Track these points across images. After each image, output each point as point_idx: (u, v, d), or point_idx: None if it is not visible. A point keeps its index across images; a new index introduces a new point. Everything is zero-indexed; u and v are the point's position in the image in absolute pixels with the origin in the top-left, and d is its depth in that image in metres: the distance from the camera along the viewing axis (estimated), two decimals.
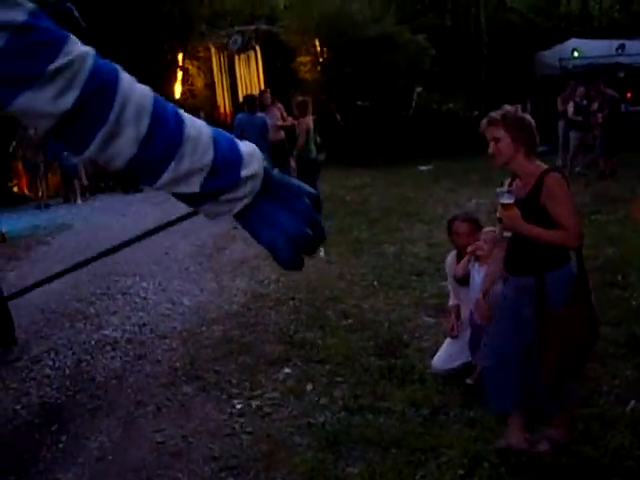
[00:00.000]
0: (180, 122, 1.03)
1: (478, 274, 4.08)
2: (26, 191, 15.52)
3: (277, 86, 15.43)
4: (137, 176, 1.04)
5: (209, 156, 1.04)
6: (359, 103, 16.99)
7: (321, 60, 18.00)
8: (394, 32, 17.29)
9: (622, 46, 17.28)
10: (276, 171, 1.13)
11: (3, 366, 5.31)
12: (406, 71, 17.24)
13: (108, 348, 5.52)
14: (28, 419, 4.41)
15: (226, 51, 19.39)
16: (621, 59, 17.16)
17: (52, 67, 0.90)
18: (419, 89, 18.10)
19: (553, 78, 16.76)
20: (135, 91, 0.99)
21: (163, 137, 1.01)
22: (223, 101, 19.37)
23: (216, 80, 19.38)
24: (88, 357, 5.37)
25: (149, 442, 3.93)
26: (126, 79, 0.99)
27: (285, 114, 11.76)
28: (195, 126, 1.05)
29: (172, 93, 18.37)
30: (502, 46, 20.17)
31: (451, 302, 4.52)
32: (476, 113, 18.14)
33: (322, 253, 7.92)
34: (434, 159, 15.41)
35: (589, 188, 11.10)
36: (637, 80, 16.69)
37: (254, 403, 4.26)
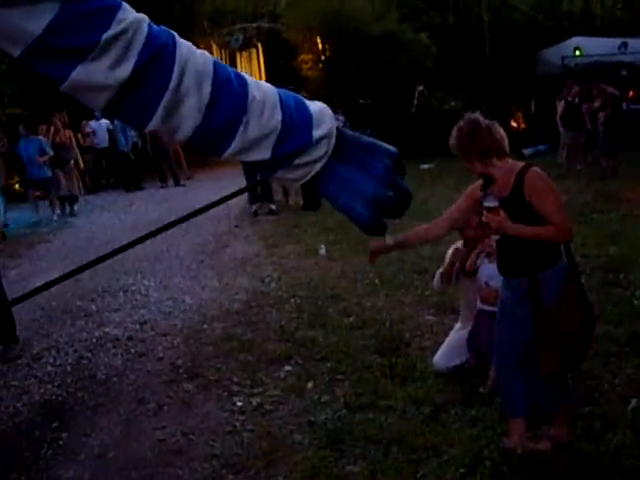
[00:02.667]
0: (244, 85, 0.98)
1: (487, 269, 4.07)
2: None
3: (279, 84, 15.25)
4: (204, 147, 1.00)
5: (277, 118, 0.99)
6: (361, 101, 17.00)
7: (323, 58, 18.00)
8: (396, 30, 17.27)
9: (624, 44, 17.23)
10: (350, 131, 1.06)
11: (4, 364, 5.32)
12: (408, 69, 17.24)
13: (109, 345, 5.53)
14: (29, 417, 4.41)
15: (228, 49, 19.42)
16: (623, 57, 17.12)
17: (106, 36, 0.87)
18: (421, 87, 18.09)
19: (555, 76, 16.72)
20: (194, 56, 0.95)
21: (227, 103, 0.96)
22: None
23: None
24: (89, 354, 5.38)
25: (150, 439, 3.93)
26: (184, 44, 0.94)
27: None
28: (260, 88, 1.00)
29: None
30: (504, 44, 20.13)
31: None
32: (478, 111, 18.13)
33: (323, 251, 7.93)
34: (436, 157, 15.37)
35: (590, 187, 11.09)
36: (639, 79, 16.67)
37: (255, 401, 4.26)
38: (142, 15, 0.92)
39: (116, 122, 15.94)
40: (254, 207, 10.86)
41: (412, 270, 6.78)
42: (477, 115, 3.38)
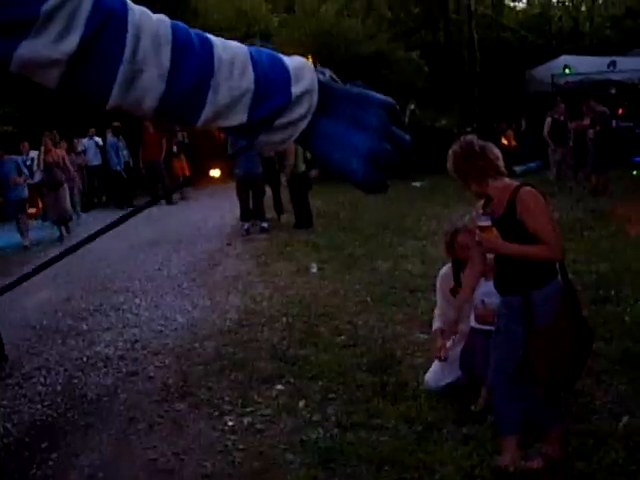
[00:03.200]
0: (208, 46, 0.90)
1: (483, 287, 4.06)
2: None
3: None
4: (176, 117, 0.92)
5: (249, 78, 0.91)
6: None
7: None
8: (387, 49, 17.44)
9: (613, 63, 17.41)
10: (337, 83, 0.98)
11: None
12: (399, 88, 17.33)
13: (100, 365, 5.50)
14: (18, 437, 4.37)
15: None
16: (612, 75, 17.29)
17: (46, 7, 0.80)
18: (412, 106, 18.17)
19: (546, 94, 16.86)
20: (149, 20, 0.87)
21: (191, 67, 0.88)
22: None
23: None
24: (80, 374, 5.35)
25: (141, 459, 3.90)
26: (137, 9, 0.86)
27: None
28: (228, 48, 0.92)
29: None
30: (495, 63, 20.33)
31: (435, 325, 4.46)
32: (469, 129, 18.23)
33: (315, 269, 7.92)
34: (428, 175, 15.42)
35: (581, 203, 11.14)
36: (628, 96, 16.82)
37: (246, 420, 4.24)
38: None
39: (108, 140, 15.95)
40: (246, 225, 10.86)
41: (403, 288, 6.79)
42: (472, 137, 3.45)
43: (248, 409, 4.39)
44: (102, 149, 16.45)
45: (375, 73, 16.56)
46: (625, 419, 3.81)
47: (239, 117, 0.91)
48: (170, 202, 15.88)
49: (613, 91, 16.78)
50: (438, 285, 4.54)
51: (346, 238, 9.66)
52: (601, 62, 17.65)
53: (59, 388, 5.11)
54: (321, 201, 12.58)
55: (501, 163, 3.28)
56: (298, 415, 4.24)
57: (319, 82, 0.94)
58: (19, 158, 12.81)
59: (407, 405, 4.17)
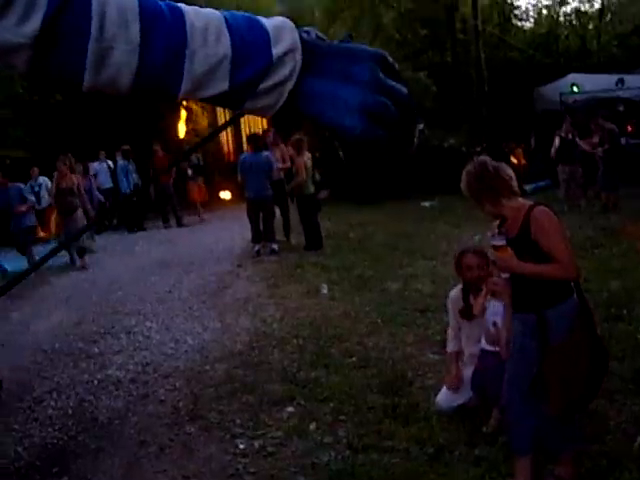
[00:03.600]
0: (179, 15, 0.86)
1: (493, 308, 4.05)
2: None
3: (281, 124, 15.55)
4: (155, 92, 0.88)
5: (226, 43, 0.87)
6: None
7: None
8: None
9: (621, 80, 17.40)
10: (324, 41, 0.93)
11: (5, 408, 5.29)
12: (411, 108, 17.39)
13: (111, 388, 5.50)
14: (30, 461, 4.37)
15: None
16: (620, 93, 17.28)
17: None
18: (421, 126, 18.20)
19: (554, 112, 16.86)
20: None
21: (163, 37, 0.84)
22: (227, 140, 19.55)
23: (219, 119, 19.58)
24: (91, 397, 5.35)
25: None
26: None
27: (287, 156, 11.83)
28: (200, 15, 0.87)
29: (176, 133, 18.53)
30: (502, 82, 20.38)
31: (450, 347, 4.45)
32: (478, 149, 18.25)
33: (325, 291, 7.92)
34: (437, 195, 15.44)
35: (592, 221, 11.11)
36: (637, 113, 16.80)
37: (257, 443, 4.22)
38: None
39: (119, 163, 16.05)
40: (256, 247, 10.88)
41: (414, 309, 6.77)
42: (485, 157, 3.48)
43: (259, 432, 4.37)
44: (113, 172, 16.56)
45: None
46: (639, 439, 3.78)
47: (220, 85, 0.88)
48: (180, 224, 15.96)
49: (621, 108, 16.76)
50: (449, 307, 4.53)
51: (356, 259, 9.65)
52: (609, 80, 17.65)
53: (70, 411, 5.12)
54: (330, 222, 12.59)
55: (515, 183, 3.30)
56: (309, 437, 4.22)
57: (303, 41, 0.90)
58: (23, 186, 12.50)
59: (418, 427, 4.15)
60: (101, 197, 15.78)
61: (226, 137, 19.53)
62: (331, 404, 4.67)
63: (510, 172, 3.34)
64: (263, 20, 0.90)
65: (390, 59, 0.92)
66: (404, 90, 0.93)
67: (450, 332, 4.51)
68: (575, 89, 17.92)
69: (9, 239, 12.42)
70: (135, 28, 0.82)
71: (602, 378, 3.35)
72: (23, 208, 11.96)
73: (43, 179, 14.47)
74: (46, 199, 14.05)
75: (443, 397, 4.35)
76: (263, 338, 6.35)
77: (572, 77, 18.51)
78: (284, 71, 0.88)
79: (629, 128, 16.37)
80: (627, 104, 17.02)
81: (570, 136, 13.06)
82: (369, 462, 3.82)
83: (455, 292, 4.49)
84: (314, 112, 0.90)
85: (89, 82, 0.83)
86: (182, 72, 0.85)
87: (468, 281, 4.26)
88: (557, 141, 13.17)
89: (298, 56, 0.88)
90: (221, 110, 19.58)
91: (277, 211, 11.46)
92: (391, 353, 5.57)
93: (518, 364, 3.31)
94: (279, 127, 13.85)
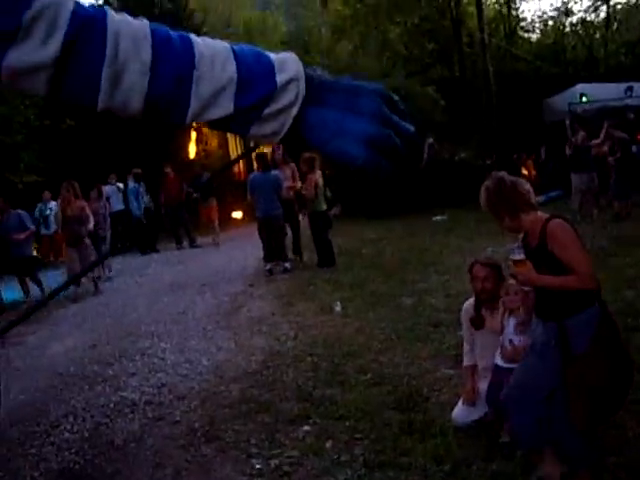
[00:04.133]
0: (188, 43, 0.94)
1: (509, 324, 4.04)
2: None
3: (290, 149, 15.62)
4: (163, 115, 0.94)
5: (231, 69, 0.94)
6: None
7: None
8: (404, 86, 17.55)
9: (630, 88, 17.40)
10: (326, 75, 1.00)
11: (21, 432, 5.30)
12: (417, 122, 17.38)
13: (127, 410, 5.50)
14: None
15: None
16: (630, 101, 17.26)
17: (28, 15, 0.85)
18: (431, 140, 18.21)
19: (563, 123, 16.85)
20: (128, 23, 0.92)
21: (172, 62, 0.91)
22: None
23: (229, 139, 19.69)
24: (107, 420, 5.35)
25: None
26: (115, 14, 0.92)
27: (297, 174, 11.85)
28: (208, 44, 0.96)
29: (187, 154, 18.64)
30: (511, 94, 20.42)
31: (466, 361, 4.44)
32: (488, 162, 18.24)
33: (338, 308, 7.91)
34: (448, 209, 15.44)
35: (605, 231, 11.05)
36: None
37: (273, 462, 4.20)
38: None
39: (130, 186, 16.14)
40: (268, 266, 10.89)
41: (428, 323, 6.74)
42: (502, 173, 3.52)
43: (275, 451, 4.36)
44: (124, 194, 16.66)
45: None
46: None
47: (225, 108, 0.93)
48: (194, 245, 16.01)
49: (631, 117, 16.72)
50: (462, 319, 4.52)
51: (369, 275, 9.64)
52: (617, 88, 17.65)
53: (86, 434, 5.12)
54: (342, 239, 12.60)
55: (532, 197, 3.34)
56: (325, 456, 4.20)
57: (308, 75, 0.96)
58: (22, 212, 11.84)
59: (435, 443, 4.12)
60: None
61: (236, 156, 19.62)
62: (347, 422, 4.64)
63: (528, 186, 3.38)
64: (269, 53, 0.97)
65: (395, 97, 0.99)
66: (411, 128, 0.98)
67: (465, 346, 4.49)
68: (584, 99, 17.91)
69: (9, 267, 11.98)
70: (147, 52, 0.90)
71: (628, 389, 3.31)
72: (21, 236, 11.38)
73: (54, 204, 14.57)
74: (54, 224, 14.23)
75: (459, 412, 4.32)
76: (277, 357, 6.34)
77: (580, 87, 18.53)
78: (288, 97, 0.94)
79: (639, 136, 16.30)
80: (637, 112, 16.98)
81: (584, 144, 12.99)
82: (386, 479, 3.79)
83: (468, 304, 4.48)
84: (319, 141, 0.95)
85: (103, 104, 0.90)
86: (189, 96, 0.92)
87: (477, 292, 4.27)
88: (570, 149, 13.07)
89: (302, 84, 0.94)
90: None
91: (289, 230, 11.49)
92: (406, 369, 5.54)
93: (537, 371, 3.31)
94: (288, 145, 13.90)
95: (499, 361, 4.07)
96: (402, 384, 5.21)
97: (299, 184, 11.55)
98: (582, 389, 3.15)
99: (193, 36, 0.96)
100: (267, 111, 0.94)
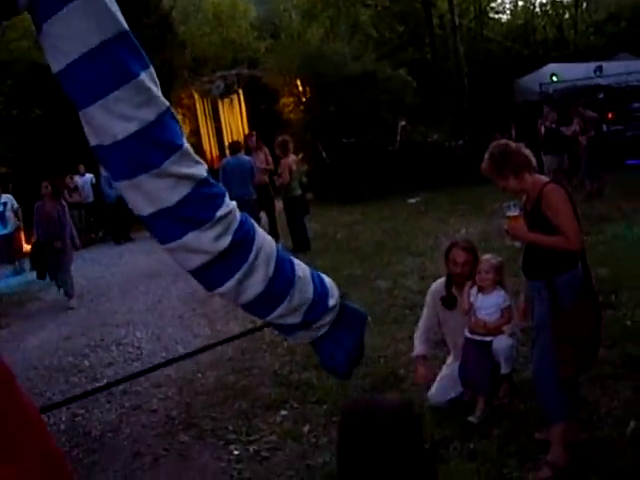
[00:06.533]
0: (293, 265, 1.24)
1: (482, 301, 4.11)
2: None
3: (262, 128, 15.54)
4: (253, 310, 1.23)
5: (311, 291, 1.24)
6: (344, 141, 17.11)
7: (304, 100, 18.16)
8: (375, 68, 17.48)
9: (599, 68, 17.50)
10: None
11: None
12: (389, 105, 17.39)
13: (103, 400, 5.47)
14: None
15: (209, 96, 19.57)
16: (600, 81, 17.37)
17: (219, 214, 1.12)
18: (403, 122, 18.25)
19: (534, 103, 16.94)
20: (265, 240, 1.20)
21: (283, 278, 1.20)
22: (209, 146, 19.50)
23: (201, 126, 19.53)
24: (83, 411, 5.31)
25: None
26: (259, 230, 1.21)
27: (270, 158, 11.82)
28: (301, 267, 1.26)
29: None
30: (482, 75, 20.44)
31: (417, 351, 4.42)
32: (461, 142, 18.30)
33: None
34: (422, 191, 15.47)
35: (577, 210, 11.13)
36: (617, 100, 16.88)
37: (252, 448, 4.21)
38: (234, 203, 1.18)
39: (102, 175, 15.95)
40: None
41: (403, 306, 6.77)
42: (504, 140, 3.84)
43: (253, 437, 4.36)
44: (95, 186, 16.47)
45: (363, 93, 16.63)
46: (632, 424, 3.79)
47: (297, 318, 1.24)
48: None
49: (601, 96, 16.85)
50: (427, 299, 4.51)
51: (344, 259, 9.64)
52: (587, 68, 17.74)
53: (63, 427, 5.08)
54: (317, 223, 12.59)
55: (534, 161, 3.56)
56: (303, 440, 4.21)
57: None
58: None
59: None
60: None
61: (209, 144, 19.48)
62: (324, 405, 4.66)
63: (529, 151, 3.60)
64: (324, 277, 1.31)
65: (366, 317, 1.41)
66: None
67: (420, 328, 4.46)
68: (554, 79, 18.00)
69: None
70: (272, 266, 1.19)
71: (599, 345, 3.61)
72: None
73: (7, 197, 13.35)
74: (13, 222, 13.21)
75: (435, 392, 4.35)
76: (253, 342, 6.32)
77: (551, 67, 18.61)
78: (330, 317, 1.28)
79: (610, 115, 16.44)
80: (607, 91, 17.11)
81: (554, 126, 13.09)
82: None
83: (437, 284, 4.49)
84: (321, 344, 1.31)
85: (227, 287, 1.17)
86: (281, 304, 1.21)
87: (452, 274, 4.30)
88: (543, 131, 13.18)
89: (337, 309, 1.29)
90: (202, 115, 19.55)
91: (264, 215, 11.44)
92: (382, 351, 5.56)
93: (546, 334, 3.46)
94: (261, 131, 13.84)
95: (467, 333, 4.15)
96: (378, 366, 5.23)
97: (272, 165, 11.52)
98: (569, 342, 3.36)
99: (293, 258, 1.26)
100: (315, 325, 1.26)
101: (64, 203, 9.92)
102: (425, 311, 4.52)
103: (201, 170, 1.13)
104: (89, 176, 16.48)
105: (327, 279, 1.31)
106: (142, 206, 1.11)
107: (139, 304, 8.82)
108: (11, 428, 1.17)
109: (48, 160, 16.63)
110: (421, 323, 4.51)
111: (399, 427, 1.58)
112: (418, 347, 4.41)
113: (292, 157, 10.72)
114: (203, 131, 19.52)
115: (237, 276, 1.15)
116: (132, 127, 1.05)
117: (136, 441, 4.61)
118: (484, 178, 3.70)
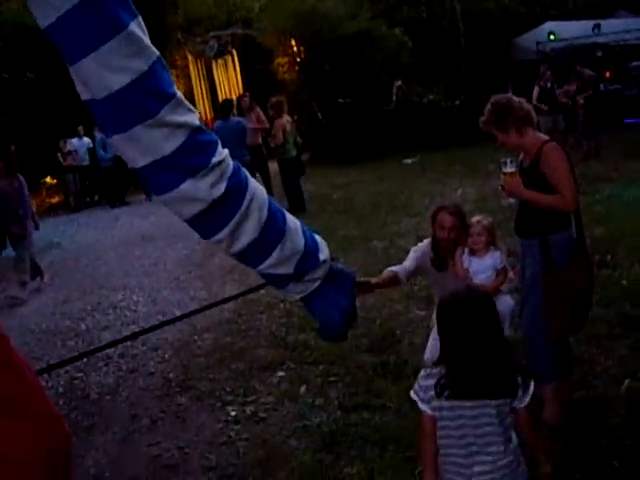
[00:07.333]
0: (284, 216, 1.30)
1: (476, 265, 3.95)
2: None
3: (257, 89, 15.39)
4: (246, 258, 1.28)
5: (301, 242, 1.29)
6: (340, 100, 16.97)
7: (299, 60, 17.98)
8: (370, 27, 17.26)
9: (598, 26, 17.30)
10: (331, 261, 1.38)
11: None
12: (385, 65, 17.22)
13: (101, 364, 5.48)
14: None
15: (203, 57, 19.34)
16: (597, 39, 17.19)
17: (214, 160, 1.15)
18: (399, 82, 18.08)
19: (532, 62, 16.77)
20: (258, 188, 1.26)
21: (275, 226, 1.26)
22: (203, 107, 19.32)
23: (195, 87, 19.33)
24: (81, 374, 5.33)
25: (146, 456, 3.90)
26: (251, 179, 1.26)
27: (263, 117, 11.71)
28: (292, 219, 1.32)
29: None
30: (479, 34, 20.17)
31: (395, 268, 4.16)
32: (457, 102, 18.16)
33: None
34: (418, 151, 15.38)
35: (574, 170, 11.08)
36: (614, 59, 16.73)
37: (249, 409, 4.23)
38: (226, 150, 1.21)
39: (97, 138, 15.82)
40: None
41: None
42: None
43: (250, 398, 4.38)
44: (91, 150, 16.35)
45: (359, 52, 16.45)
46: (627, 382, 3.82)
47: (289, 268, 1.29)
48: None
49: (599, 54, 16.69)
50: (411, 250, 4.28)
51: (340, 220, 9.62)
52: (585, 26, 17.53)
53: (61, 390, 5.11)
54: (312, 184, 12.54)
55: (535, 116, 3.54)
56: (300, 401, 4.24)
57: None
58: None
59: (409, 383, 4.12)
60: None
61: (203, 105, 19.30)
62: (321, 366, 4.67)
63: (531, 107, 3.58)
64: (314, 234, 1.36)
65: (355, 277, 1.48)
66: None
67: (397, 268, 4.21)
68: (552, 37, 17.80)
69: None
70: (265, 213, 1.24)
71: (591, 305, 3.62)
72: None
73: None
74: None
75: (430, 352, 4.34)
76: (250, 304, 6.32)
77: (548, 25, 18.39)
78: (322, 272, 1.33)
79: (607, 74, 16.30)
80: (605, 50, 16.94)
81: (549, 85, 12.96)
82: (361, 421, 3.83)
83: (425, 245, 4.21)
84: (312, 305, 1.37)
85: (222, 235, 1.21)
86: (273, 253, 1.26)
87: (440, 239, 3.99)
88: (536, 91, 13.04)
89: (328, 265, 1.35)
90: (196, 77, 19.35)
91: (259, 177, 11.39)
92: (378, 312, 5.57)
93: (538, 293, 3.46)
94: (255, 92, 13.70)
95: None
96: (375, 327, 5.25)
97: (266, 124, 11.42)
98: (562, 301, 3.38)
99: (284, 210, 1.32)
100: (307, 277, 1.31)
101: (21, 178, 8.38)
102: (408, 259, 4.21)
103: (194, 118, 1.15)
104: (86, 140, 16.33)
105: (317, 236, 1.37)
106: (138, 158, 1.12)
107: (135, 268, 8.82)
108: (6, 388, 1.20)
109: (42, 124, 16.47)
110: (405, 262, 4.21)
111: (490, 306, 2.15)
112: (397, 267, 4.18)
113: (286, 118, 10.63)
114: (197, 92, 19.33)
115: (232, 222, 1.18)
116: (126, 78, 1.05)
117: (134, 404, 4.64)
118: (481, 138, 3.64)
